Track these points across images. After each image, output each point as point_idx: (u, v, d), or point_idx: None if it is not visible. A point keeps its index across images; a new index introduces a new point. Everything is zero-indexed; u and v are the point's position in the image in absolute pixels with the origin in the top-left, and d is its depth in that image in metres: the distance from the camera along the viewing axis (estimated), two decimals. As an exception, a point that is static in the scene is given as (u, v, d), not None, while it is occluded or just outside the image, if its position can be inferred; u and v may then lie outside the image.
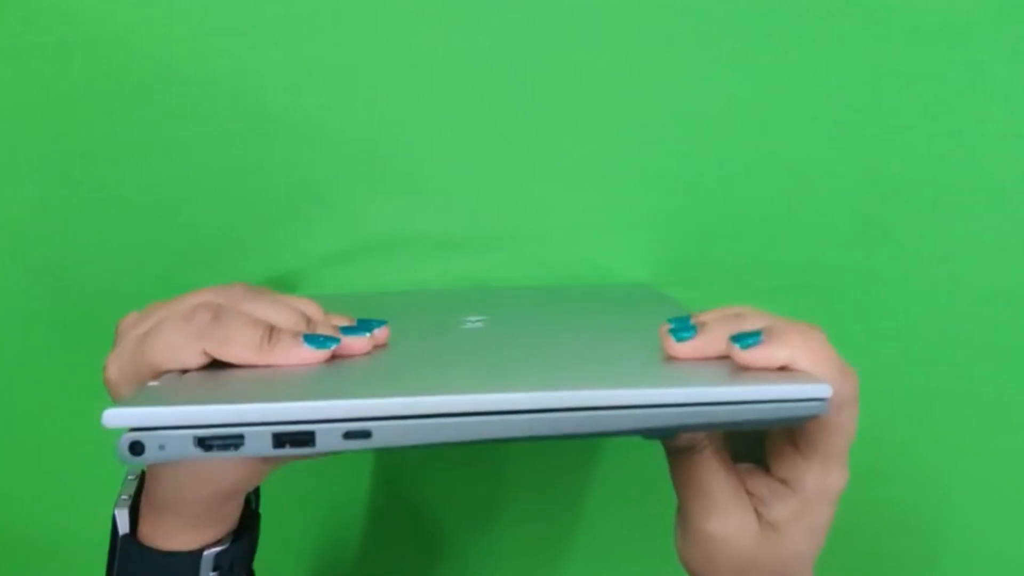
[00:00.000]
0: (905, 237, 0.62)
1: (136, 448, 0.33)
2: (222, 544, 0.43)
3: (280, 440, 0.33)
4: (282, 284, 0.63)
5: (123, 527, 0.42)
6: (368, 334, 0.41)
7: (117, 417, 0.33)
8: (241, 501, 0.44)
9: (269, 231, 0.63)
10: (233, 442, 0.33)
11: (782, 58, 0.60)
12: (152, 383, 0.37)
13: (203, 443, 0.33)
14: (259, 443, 0.33)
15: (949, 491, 0.65)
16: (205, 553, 0.42)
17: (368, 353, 0.41)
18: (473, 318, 0.50)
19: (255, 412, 0.33)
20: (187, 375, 0.38)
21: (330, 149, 0.62)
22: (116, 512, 0.43)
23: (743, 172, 0.62)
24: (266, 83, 0.60)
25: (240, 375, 0.38)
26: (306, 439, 0.33)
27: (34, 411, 0.65)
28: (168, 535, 0.42)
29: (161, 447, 0.33)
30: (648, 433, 0.34)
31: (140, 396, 0.35)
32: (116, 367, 0.40)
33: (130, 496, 0.43)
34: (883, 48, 0.60)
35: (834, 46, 0.60)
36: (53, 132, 0.61)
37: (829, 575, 0.67)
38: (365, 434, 0.33)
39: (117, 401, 0.33)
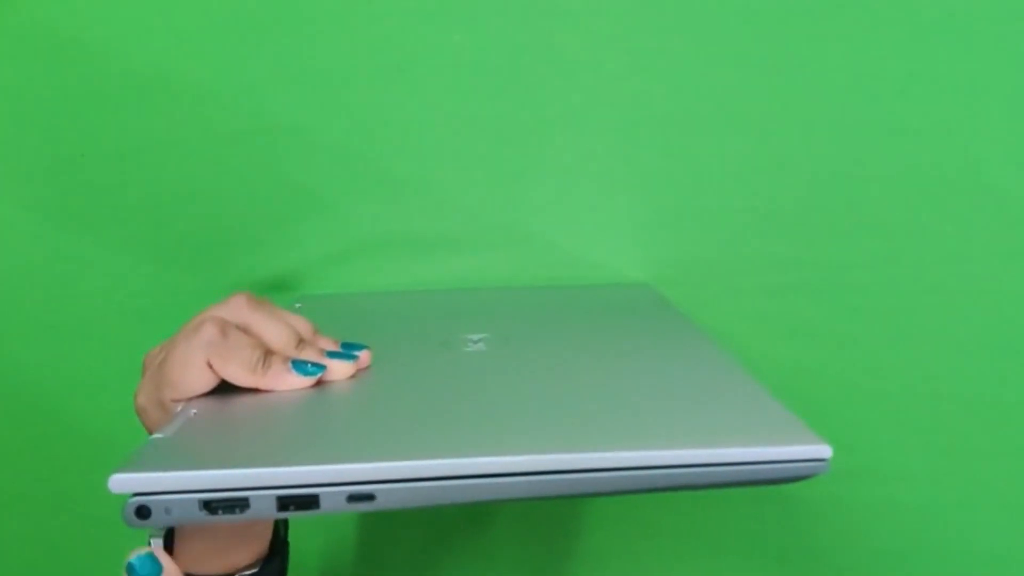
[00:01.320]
0: (904, 237, 0.62)
1: (142, 512, 0.33)
2: (252, 568, 0.45)
3: (284, 503, 0.34)
4: (282, 284, 0.64)
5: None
6: (352, 360, 0.44)
7: (123, 482, 0.33)
8: (269, 526, 0.46)
9: (268, 232, 0.63)
10: (238, 505, 0.34)
11: (781, 58, 0.59)
12: (157, 435, 0.37)
13: (208, 506, 0.34)
14: (264, 506, 0.34)
15: (948, 491, 0.66)
16: None
17: (352, 376, 0.44)
18: (474, 336, 0.50)
19: (260, 476, 0.33)
20: (195, 417, 0.39)
21: (329, 150, 0.61)
22: (151, 542, 0.44)
23: (742, 172, 0.62)
24: (263, 86, 0.60)
25: (245, 428, 0.38)
26: (310, 502, 0.34)
27: (35, 411, 0.66)
28: (200, 561, 0.43)
29: (167, 511, 0.33)
30: (652, 491, 0.35)
31: (146, 454, 0.35)
32: (143, 394, 0.43)
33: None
34: (883, 48, 0.59)
35: (833, 46, 0.59)
36: (53, 133, 0.61)
37: (826, 574, 0.69)
38: (369, 497, 0.34)
39: (123, 466, 0.33)
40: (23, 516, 0.68)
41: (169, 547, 0.44)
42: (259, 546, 0.45)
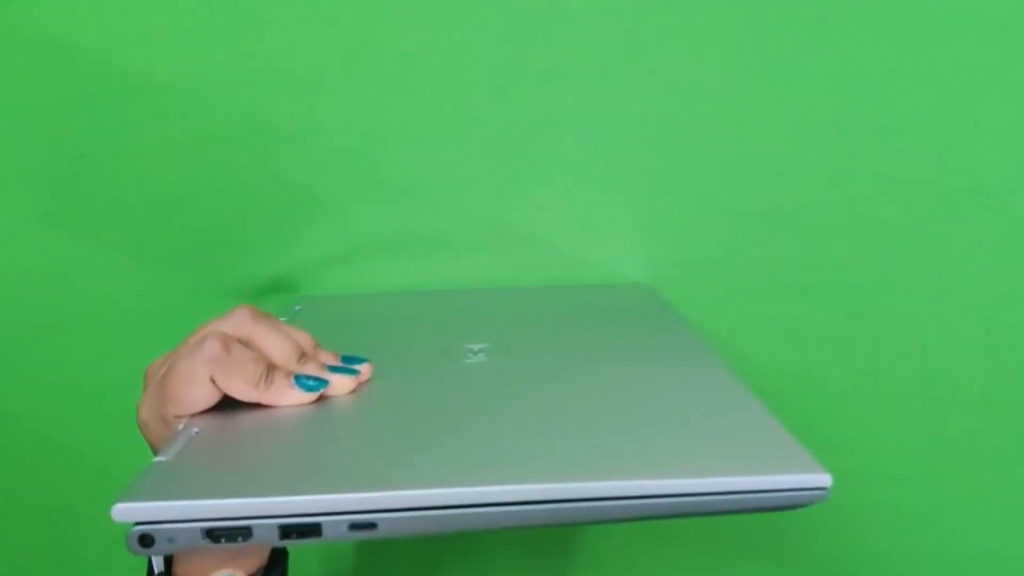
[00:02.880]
0: (903, 238, 0.62)
1: (146, 540, 0.34)
2: None
3: (286, 531, 0.34)
4: (282, 286, 0.63)
5: (158, 567, 0.44)
6: (354, 375, 0.44)
7: (126, 512, 0.33)
8: None
9: (268, 233, 0.63)
10: (241, 533, 0.34)
11: (782, 59, 0.59)
12: (159, 458, 0.37)
13: (211, 535, 0.34)
14: (266, 534, 0.34)
15: (948, 494, 0.66)
16: None
17: (353, 391, 0.44)
18: (474, 346, 0.50)
19: (262, 506, 0.34)
20: (197, 436, 0.39)
21: (329, 151, 0.61)
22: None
23: (742, 173, 0.61)
24: (262, 87, 0.59)
25: (247, 452, 0.38)
26: (312, 530, 0.34)
27: (33, 412, 0.66)
28: (201, 570, 0.44)
29: (170, 540, 0.34)
30: (654, 519, 0.35)
31: (148, 481, 0.35)
32: (145, 408, 0.43)
33: None
34: (882, 48, 0.59)
35: (833, 47, 0.59)
36: (53, 134, 0.61)
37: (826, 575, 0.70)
38: (371, 525, 0.34)
39: (125, 494, 0.34)
40: (22, 518, 0.68)
41: (169, 555, 0.44)
42: (260, 556, 0.46)
